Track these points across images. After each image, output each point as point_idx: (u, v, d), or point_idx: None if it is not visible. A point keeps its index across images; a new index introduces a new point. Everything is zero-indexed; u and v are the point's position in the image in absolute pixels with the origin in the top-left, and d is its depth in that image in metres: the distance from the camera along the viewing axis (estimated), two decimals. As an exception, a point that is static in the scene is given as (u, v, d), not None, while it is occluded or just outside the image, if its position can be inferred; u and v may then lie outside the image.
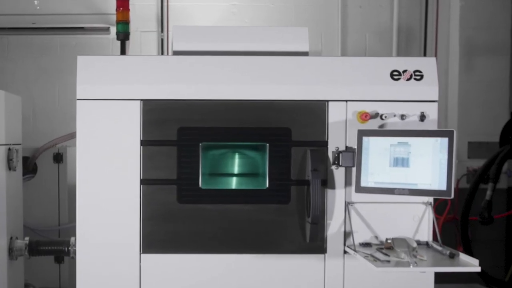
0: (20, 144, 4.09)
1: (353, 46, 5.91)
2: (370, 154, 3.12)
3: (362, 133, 3.15)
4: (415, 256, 3.01)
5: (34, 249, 3.74)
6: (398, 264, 2.93)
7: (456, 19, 5.79)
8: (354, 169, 3.19)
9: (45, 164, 4.60)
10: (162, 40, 5.80)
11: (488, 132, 5.69)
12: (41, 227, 4.51)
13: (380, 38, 5.97)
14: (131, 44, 5.14)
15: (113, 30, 5.45)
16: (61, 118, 5.69)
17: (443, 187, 2.98)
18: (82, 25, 5.59)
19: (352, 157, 3.20)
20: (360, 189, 3.15)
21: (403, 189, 3.06)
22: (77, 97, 3.15)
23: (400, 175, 3.07)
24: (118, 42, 4.60)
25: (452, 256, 3.05)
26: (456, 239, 5.46)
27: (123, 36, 3.85)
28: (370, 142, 3.14)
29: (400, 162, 3.07)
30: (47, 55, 5.81)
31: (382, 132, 3.14)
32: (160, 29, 5.83)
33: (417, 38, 5.99)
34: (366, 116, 3.21)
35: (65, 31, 5.68)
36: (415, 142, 3.05)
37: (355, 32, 5.98)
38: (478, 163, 5.49)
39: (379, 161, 3.10)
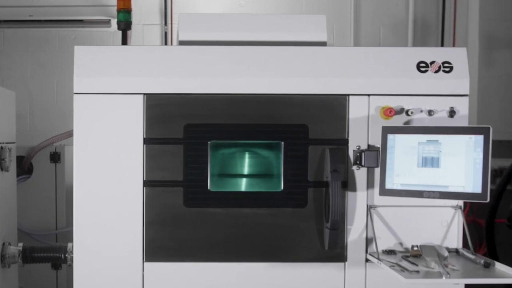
0: (14, 142, 3.93)
1: (366, 39, 5.70)
2: (396, 153, 2.89)
3: (387, 130, 2.91)
4: (446, 266, 2.73)
5: (28, 256, 3.50)
6: (428, 275, 2.69)
7: (476, 11, 5.56)
8: (377, 170, 3.00)
9: (41, 164, 4.47)
10: (165, 33, 5.64)
11: (509, 130, 5.40)
12: (37, 232, 4.37)
13: (395, 31, 5.76)
14: (132, 38, 5.02)
15: (114, 22, 5.30)
16: (60, 115, 5.57)
17: (478, 189, 2.73)
18: (82, 18, 5.43)
19: (376, 156, 2.96)
20: (384, 192, 2.91)
21: (433, 191, 2.82)
22: (74, 91, 2.95)
23: (430, 177, 2.83)
24: (119, 36, 4.41)
25: (487, 265, 2.79)
26: (476, 243, 5.19)
27: (125, 25, 3.62)
28: (396, 140, 2.89)
29: (430, 162, 2.83)
30: (45, 49, 5.67)
31: (409, 129, 2.90)
32: (163, 22, 5.67)
33: (434, 31, 5.79)
34: (390, 112, 2.98)
35: (63, 24, 5.52)
36: (446, 140, 2.81)
37: (369, 25, 5.78)
38: (499, 163, 5.20)
39: (405, 161, 2.87)
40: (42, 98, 5.65)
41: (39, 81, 5.66)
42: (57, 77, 5.64)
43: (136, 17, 5.45)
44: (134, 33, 5.29)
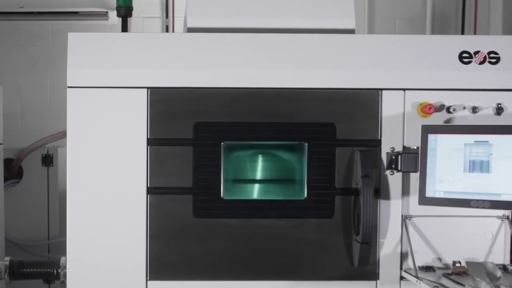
0: (1, 143, 3.87)
1: (381, 33, 5.37)
2: (438, 156, 2.60)
3: (427, 129, 2.63)
4: (498, 287, 2.40)
5: (15, 272, 3.20)
6: (480, 298, 2.38)
7: (499, 4, 5.27)
8: (412, 175, 2.76)
9: (32, 167, 4.37)
10: (167, 27, 5.44)
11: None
12: (27, 242, 4.26)
13: (412, 26, 5.49)
14: (131, 31, 4.77)
15: (112, 15, 5.19)
16: (53, 114, 5.36)
17: (537, 198, 2.41)
18: (77, 10, 5.23)
19: (415, 160, 2.69)
20: (424, 201, 2.64)
21: (483, 200, 2.52)
22: (68, 85, 2.74)
23: (478, 183, 2.53)
24: (118, 30, 4.16)
25: (544, 285, 2.45)
26: None
27: (125, 11, 3.32)
28: (438, 141, 2.61)
29: (478, 166, 2.54)
30: (37, 43, 5.49)
31: (454, 128, 2.63)
32: (164, 15, 5.46)
33: (453, 25, 5.52)
34: (430, 109, 2.72)
35: (57, 16, 5.31)
36: (498, 140, 2.50)
37: (383, 18, 5.51)
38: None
39: (449, 165, 2.58)
40: (34, 96, 5.48)
41: (30, 77, 5.48)
42: (50, 74, 5.46)
43: (135, 10, 5.18)
44: (133, 26, 5.17)
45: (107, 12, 5.21)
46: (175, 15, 5.43)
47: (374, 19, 5.54)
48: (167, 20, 5.44)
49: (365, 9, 5.49)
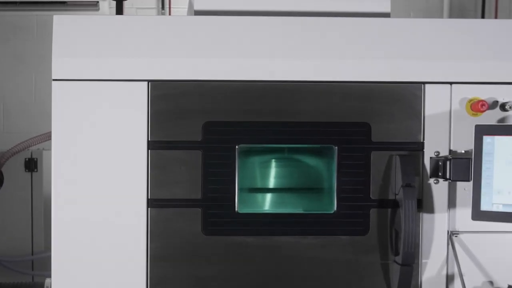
0: None
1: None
2: (496, 162, 2.30)
3: (482, 130, 2.32)
4: None
5: None
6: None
7: None
8: (459, 185, 2.48)
9: (14, 172, 4.25)
10: None
11: None
12: (8, 257, 4.12)
13: (428, 18, 5.37)
14: None
15: (103, 5, 5.17)
16: (38, 114, 5.37)
17: None
18: None
19: (467, 166, 2.39)
20: (479, 215, 2.33)
21: None
22: (53, 77, 2.47)
23: None
24: None
25: None
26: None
27: None
28: (496, 144, 2.29)
29: None
30: (21, 37, 5.52)
31: None
32: (160, 5, 5.43)
33: (472, 18, 5.43)
34: (482, 106, 2.44)
35: (43, 7, 5.28)
36: None
37: (397, 10, 5.55)
38: None
39: (510, 173, 2.28)
40: (18, 94, 5.52)
41: (14, 74, 5.54)
42: (35, 70, 5.48)
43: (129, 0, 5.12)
44: (126, 18, 4.98)
45: (97, 2, 5.14)
46: (172, 5, 5.39)
47: (388, 10, 5.44)
48: (163, 11, 5.41)
49: None
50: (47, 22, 5.09)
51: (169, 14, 5.36)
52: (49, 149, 3.81)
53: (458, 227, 2.52)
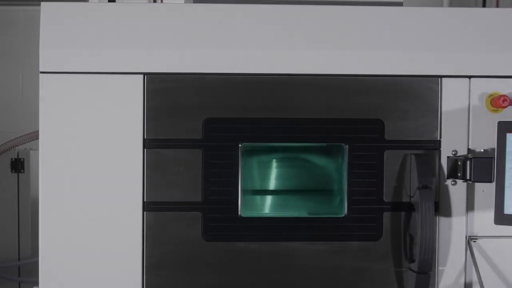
0: None
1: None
2: None
3: (506, 128, 2.22)
4: None
5: None
6: None
7: None
8: (475, 185, 2.38)
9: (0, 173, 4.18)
10: None
11: None
12: None
13: (425, 5, 5.25)
14: None
15: None
16: (26, 112, 5.28)
17: None
18: None
19: (490, 166, 2.28)
20: (502, 219, 2.23)
21: None
22: (40, 69, 2.36)
23: None
24: None
25: None
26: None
27: None
28: None
29: None
30: (7, 33, 5.42)
31: None
32: None
33: (472, 5, 5.41)
34: (504, 101, 2.34)
35: (30, 1, 5.15)
36: None
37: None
38: None
39: None
40: (4, 92, 5.44)
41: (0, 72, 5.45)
42: (22, 68, 5.41)
43: (118, -7, 4.99)
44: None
45: (88, -5, 5.02)
46: (166, -5, 5.28)
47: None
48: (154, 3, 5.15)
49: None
50: (34, 17, 5.11)
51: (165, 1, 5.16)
52: (37, 149, 3.73)
53: (477, 231, 2.43)
